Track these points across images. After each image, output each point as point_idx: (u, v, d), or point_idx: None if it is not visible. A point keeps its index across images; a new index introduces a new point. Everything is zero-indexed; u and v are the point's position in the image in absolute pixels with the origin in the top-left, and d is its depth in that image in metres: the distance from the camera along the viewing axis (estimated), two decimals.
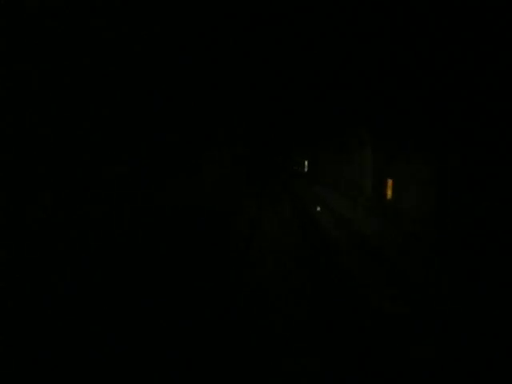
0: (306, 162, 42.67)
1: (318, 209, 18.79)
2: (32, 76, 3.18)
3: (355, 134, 19.90)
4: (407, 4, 6.44)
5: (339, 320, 5.91)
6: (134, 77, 5.32)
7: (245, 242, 11.36)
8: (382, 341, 5.24)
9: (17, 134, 3.06)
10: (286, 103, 18.30)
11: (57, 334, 3.66)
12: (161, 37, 6.00)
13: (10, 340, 3.05)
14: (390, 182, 15.09)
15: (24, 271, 3.20)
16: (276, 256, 10.03)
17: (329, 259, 9.82)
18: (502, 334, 5.32)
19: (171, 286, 7.22)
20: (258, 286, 7.45)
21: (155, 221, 6.69)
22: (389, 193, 15.01)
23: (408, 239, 11.82)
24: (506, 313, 6.03)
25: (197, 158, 9.78)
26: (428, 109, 10.64)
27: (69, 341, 3.87)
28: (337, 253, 10.35)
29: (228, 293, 6.98)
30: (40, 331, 3.41)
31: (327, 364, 4.62)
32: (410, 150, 12.75)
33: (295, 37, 8.71)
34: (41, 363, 3.41)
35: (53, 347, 3.59)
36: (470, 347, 5.03)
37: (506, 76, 7.03)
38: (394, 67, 9.84)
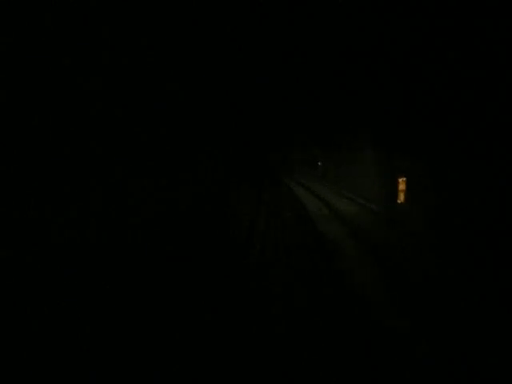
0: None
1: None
2: (31, 76, 3.16)
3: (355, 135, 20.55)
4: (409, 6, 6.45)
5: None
6: (127, 78, 5.30)
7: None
8: None
9: (16, 134, 3.04)
10: (283, 104, 18.35)
11: (56, 334, 3.65)
12: (155, 40, 5.98)
13: (10, 340, 3.04)
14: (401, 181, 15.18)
15: (24, 271, 3.19)
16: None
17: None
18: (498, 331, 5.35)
19: (170, 279, 7.22)
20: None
21: (150, 219, 6.68)
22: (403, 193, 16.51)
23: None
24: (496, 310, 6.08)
25: (191, 157, 9.77)
26: (426, 108, 10.68)
27: (69, 341, 3.87)
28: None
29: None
30: (39, 331, 3.40)
31: None
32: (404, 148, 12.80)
33: (298, 37, 8.70)
34: (40, 363, 3.40)
35: (52, 347, 3.59)
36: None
37: (505, 75, 7.07)
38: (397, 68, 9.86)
